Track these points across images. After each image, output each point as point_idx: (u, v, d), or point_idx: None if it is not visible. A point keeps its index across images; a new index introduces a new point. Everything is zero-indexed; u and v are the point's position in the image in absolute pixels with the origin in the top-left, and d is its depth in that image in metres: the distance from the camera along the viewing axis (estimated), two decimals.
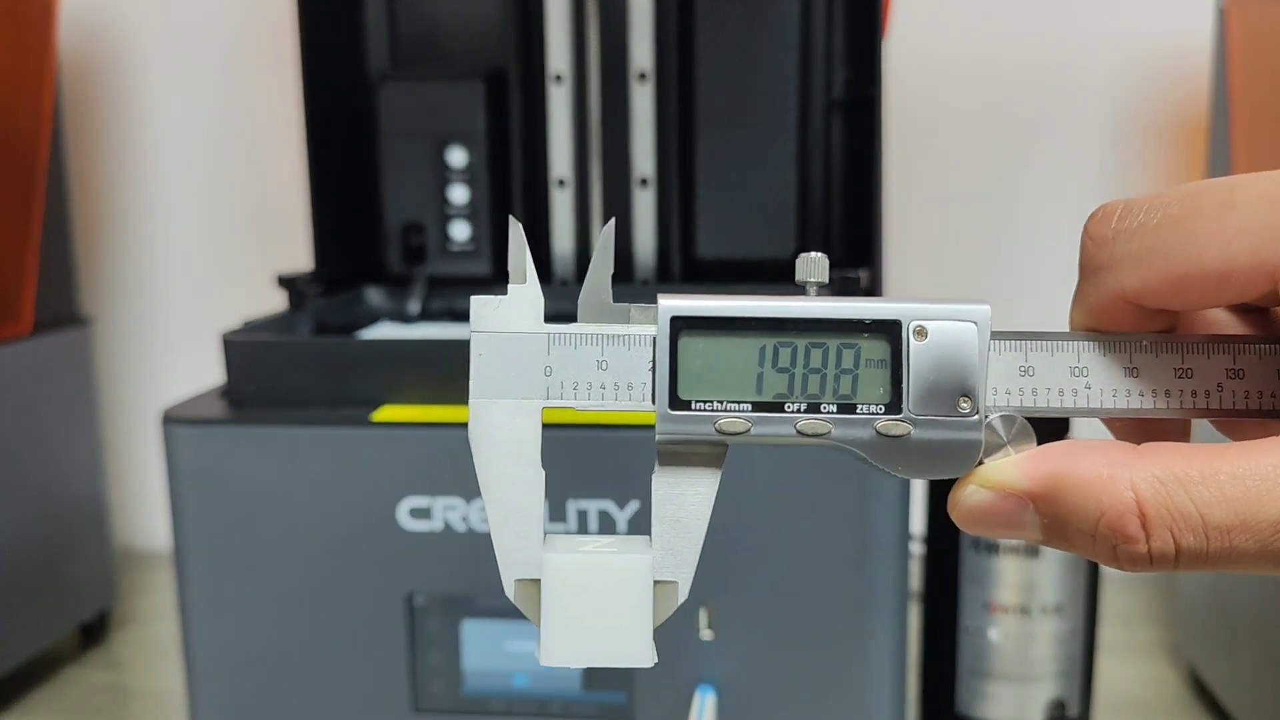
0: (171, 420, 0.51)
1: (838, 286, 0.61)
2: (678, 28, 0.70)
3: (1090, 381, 0.27)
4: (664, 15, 0.70)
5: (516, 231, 0.27)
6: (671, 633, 0.49)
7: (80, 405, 0.79)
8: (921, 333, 0.26)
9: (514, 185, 0.72)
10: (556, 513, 0.49)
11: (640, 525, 0.49)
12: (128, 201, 1.00)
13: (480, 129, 0.71)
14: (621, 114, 0.71)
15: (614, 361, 0.27)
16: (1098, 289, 0.27)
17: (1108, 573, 0.64)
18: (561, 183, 0.71)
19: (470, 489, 0.49)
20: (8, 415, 0.71)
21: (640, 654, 0.27)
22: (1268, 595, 0.61)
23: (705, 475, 0.27)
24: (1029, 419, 0.27)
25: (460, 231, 0.72)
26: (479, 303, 0.27)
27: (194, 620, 0.52)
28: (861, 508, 0.48)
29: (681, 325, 0.26)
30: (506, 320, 0.27)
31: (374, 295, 0.70)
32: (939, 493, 0.64)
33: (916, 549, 0.63)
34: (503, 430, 0.26)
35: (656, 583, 0.27)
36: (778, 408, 0.26)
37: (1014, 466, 0.25)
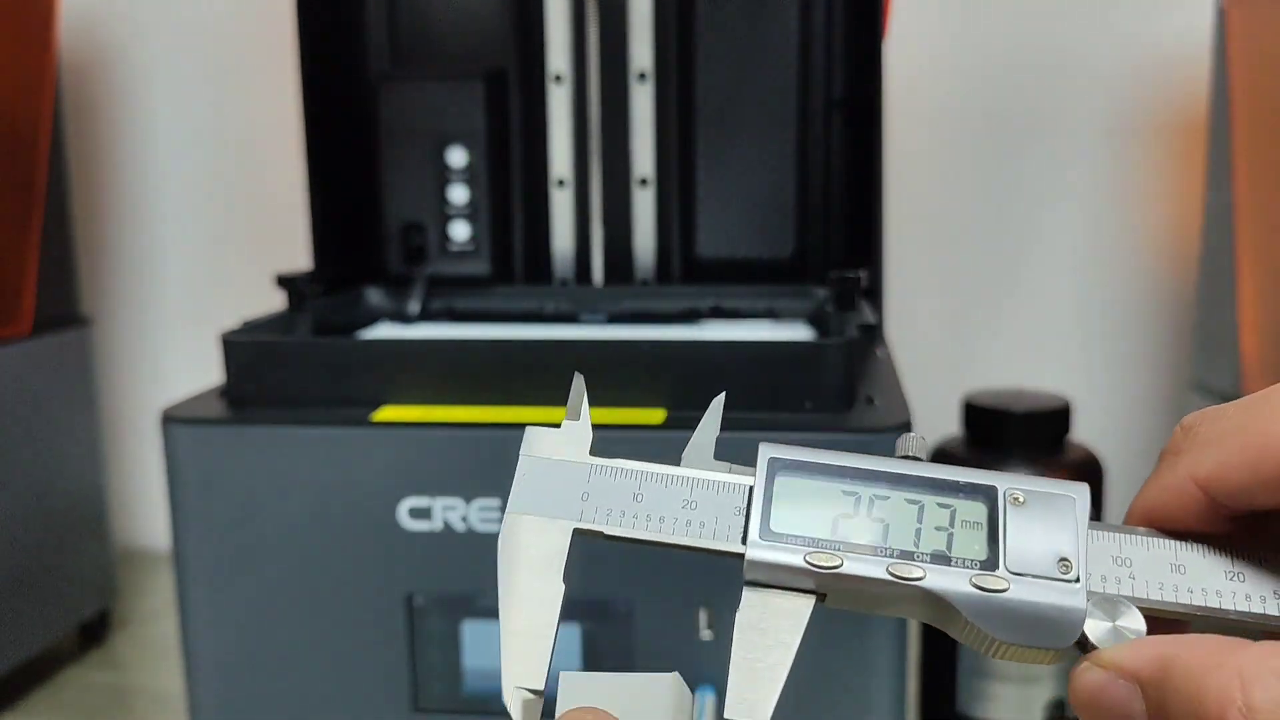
0: (171, 420, 0.51)
1: (839, 286, 0.61)
2: (678, 28, 0.70)
3: (1190, 583, 0.26)
4: (664, 15, 0.70)
5: (578, 384, 0.29)
6: (671, 633, 0.49)
7: (80, 405, 0.79)
8: (1018, 500, 0.26)
9: (514, 185, 0.73)
10: None
11: None
12: (128, 201, 1.00)
13: (480, 129, 0.71)
14: (621, 114, 0.71)
15: (648, 496, 0.27)
16: (1173, 470, 0.26)
17: None
18: (561, 183, 0.71)
19: (470, 489, 0.49)
20: (8, 415, 0.71)
21: None
22: None
23: (791, 612, 0.26)
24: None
25: (460, 231, 0.72)
26: (533, 432, 0.28)
27: (194, 620, 0.52)
28: None
29: (779, 466, 0.27)
30: (556, 449, 0.28)
31: (374, 295, 0.70)
32: None
33: None
34: (533, 545, 0.27)
35: None
36: (870, 551, 0.26)
37: (1127, 647, 0.24)
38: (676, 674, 0.27)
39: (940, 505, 0.26)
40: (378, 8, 0.73)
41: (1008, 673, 0.59)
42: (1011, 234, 0.92)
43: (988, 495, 0.26)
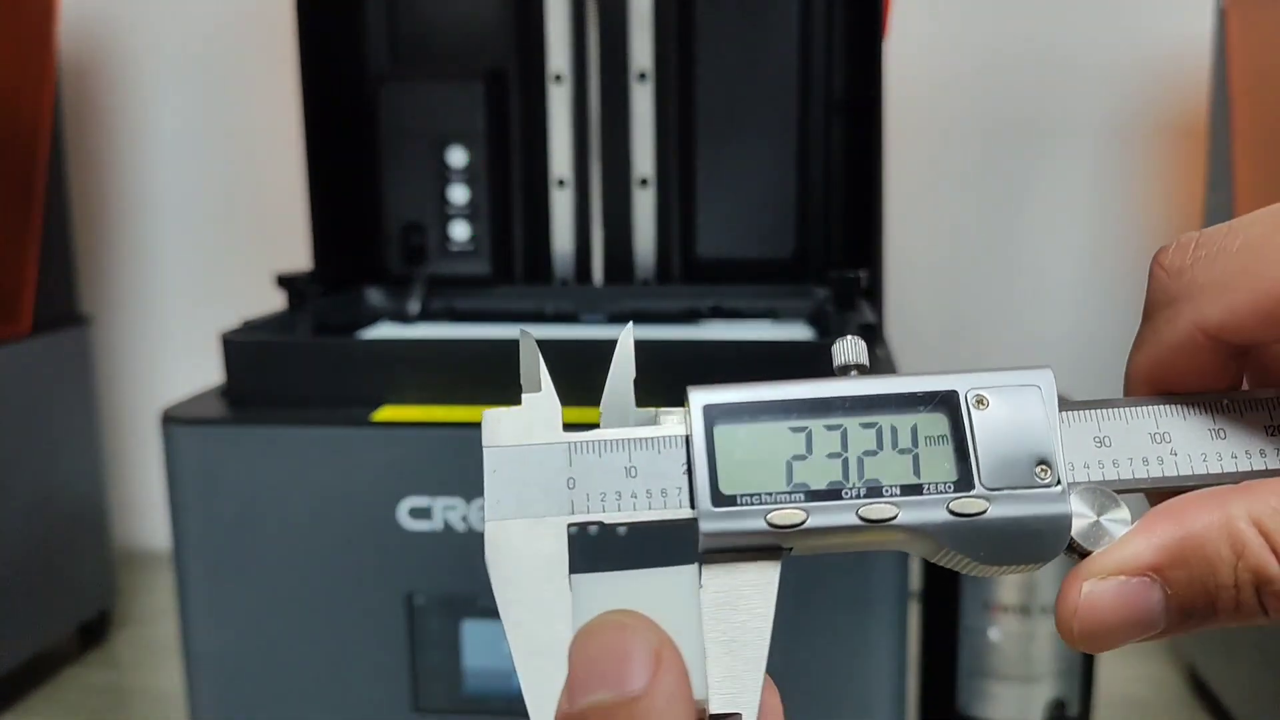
0: (171, 420, 0.51)
1: (839, 286, 0.61)
2: (678, 28, 0.70)
3: (1175, 448, 0.24)
4: (664, 15, 0.70)
5: (528, 342, 0.25)
6: None
7: (80, 405, 0.79)
8: (982, 402, 0.24)
9: (514, 185, 0.73)
10: None
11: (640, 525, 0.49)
12: (128, 201, 1.00)
13: (480, 129, 0.71)
14: (621, 114, 0.71)
15: (644, 467, 0.24)
16: (1172, 323, 0.24)
17: None
18: (561, 183, 0.71)
19: (470, 489, 0.49)
20: (8, 415, 0.71)
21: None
22: None
23: (759, 582, 0.23)
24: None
25: (460, 231, 0.72)
26: (490, 417, 0.25)
27: (194, 620, 0.52)
28: None
29: (717, 414, 0.24)
30: (521, 432, 0.25)
31: (374, 295, 0.70)
32: None
33: None
34: (524, 553, 0.24)
35: (714, 716, 0.23)
36: (834, 495, 0.23)
37: (1131, 541, 0.22)
38: (693, 565, 0.24)
39: (899, 424, 0.24)
40: (378, 8, 0.73)
41: (1008, 673, 0.59)
42: (1011, 234, 0.92)
43: (948, 403, 0.24)
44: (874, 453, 0.24)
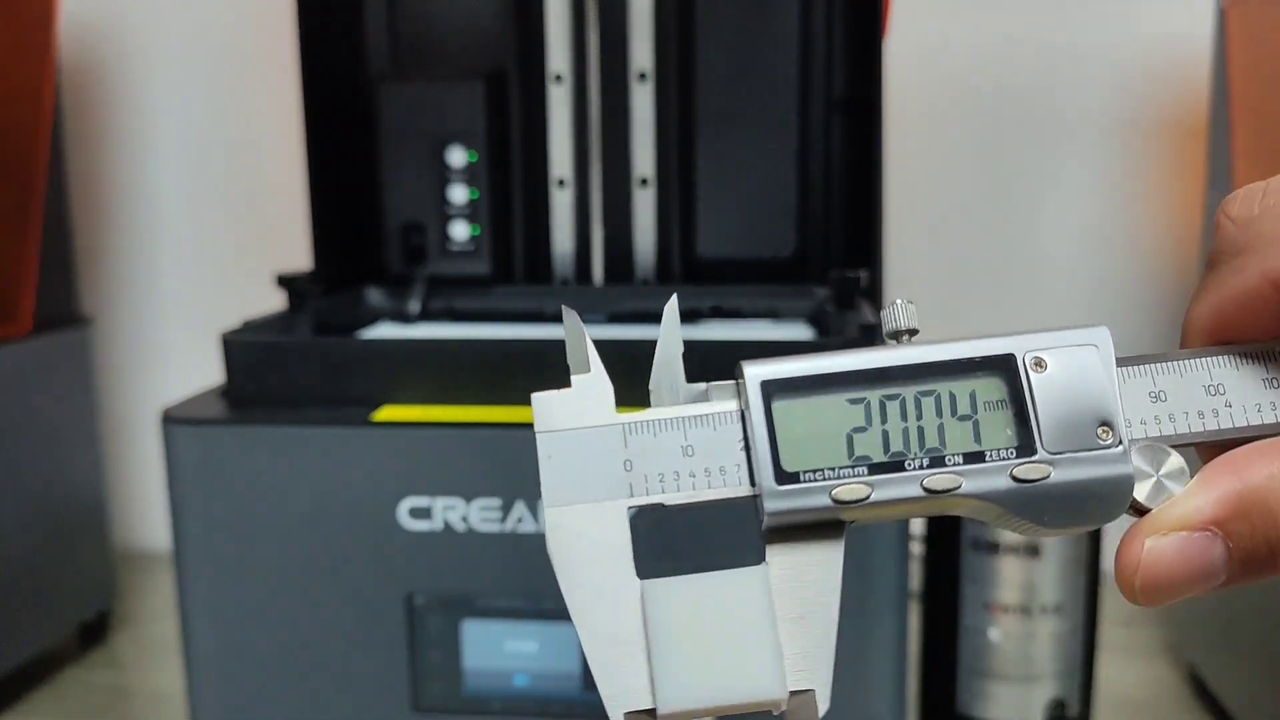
0: (171, 420, 0.51)
1: (839, 286, 0.61)
2: (678, 28, 0.70)
3: (1230, 399, 0.24)
4: (664, 15, 0.70)
5: (573, 321, 0.24)
6: None
7: (80, 405, 0.79)
8: (1040, 364, 0.24)
9: (514, 185, 0.73)
10: None
11: (640, 524, 0.49)
12: (128, 201, 1.00)
13: (480, 129, 0.71)
14: (621, 114, 0.71)
15: (701, 445, 0.24)
16: (1240, 273, 0.24)
17: (1107, 572, 0.64)
18: (561, 183, 0.71)
19: (470, 489, 0.49)
20: (8, 415, 0.71)
21: (770, 686, 0.23)
22: (1268, 595, 0.61)
23: (825, 557, 0.23)
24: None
25: (460, 231, 0.72)
26: (540, 400, 0.24)
27: (194, 620, 0.52)
28: None
29: (774, 389, 0.23)
30: (574, 415, 0.24)
31: (374, 295, 0.70)
32: None
33: (916, 549, 0.63)
34: (587, 539, 0.24)
35: (791, 693, 0.23)
36: (897, 467, 0.23)
37: (1191, 497, 0.22)
38: (758, 566, 0.23)
39: (957, 390, 0.24)
40: (378, 8, 0.73)
41: (1008, 673, 0.59)
42: (1011, 234, 0.92)
43: (1005, 366, 0.24)
44: (934, 421, 0.24)
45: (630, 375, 0.50)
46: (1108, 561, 0.64)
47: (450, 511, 0.49)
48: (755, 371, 0.24)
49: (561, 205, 0.72)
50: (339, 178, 0.71)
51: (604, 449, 0.24)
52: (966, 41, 0.90)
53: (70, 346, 0.78)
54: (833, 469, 0.23)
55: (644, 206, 0.71)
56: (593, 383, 0.24)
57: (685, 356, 0.50)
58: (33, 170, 0.74)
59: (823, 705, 0.23)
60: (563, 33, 0.70)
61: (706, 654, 0.23)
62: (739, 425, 0.24)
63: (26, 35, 0.73)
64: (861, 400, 0.24)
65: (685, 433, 0.24)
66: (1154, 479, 0.23)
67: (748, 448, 0.23)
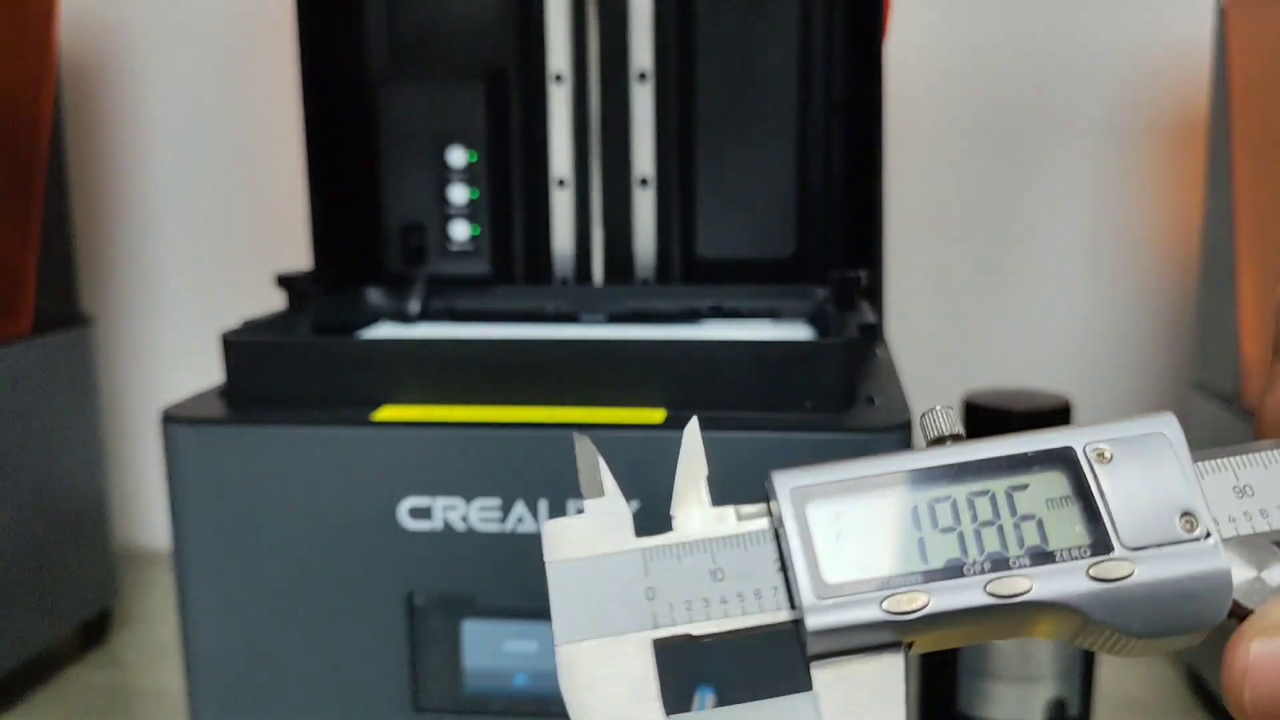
0: (171, 420, 0.51)
1: (839, 286, 0.61)
2: (678, 28, 0.70)
3: None
4: (664, 15, 0.70)
5: (584, 444, 0.23)
6: None
7: (80, 405, 0.79)
8: (1103, 456, 0.21)
9: (514, 185, 0.73)
10: (557, 513, 0.49)
11: (639, 524, 0.49)
12: (128, 201, 1.00)
13: (480, 129, 0.71)
14: (621, 114, 0.71)
15: (731, 568, 0.21)
16: None
17: None
18: (561, 183, 0.71)
19: (470, 489, 0.49)
20: (8, 415, 0.71)
21: None
22: None
23: (883, 681, 0.20)
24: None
25: (460, 231, 0.72)
26: (550, 528, 0.22)
27: (194, 620, 0.52)
28: None
29: (807, 496, 0.21)
30: (589, 543, 0.22)
31: (374, 295, 0.70)
32: None
33: None
34: (606, 678, 0.21)
35: None
36: (955, 573, 0.20)
37: None
38: (810, 693, 0.21)
39: (1014, 488, 0.21)
40: (378, 8, 0.73)
41: (1008, 673, 0.59)
42: (1012, 234, 0.92)
43: (1065, 459, 0.21)
44: (991, 522, 0.21)
45: (627, 375, 0.50)
46: None
47: (450, 511, 0.49)
48: (786, 479, 0.22)
49: (561, 205, 0.72)
50: (339, 178, 0.71)
51: (623, 577, 0.22)
52: (966, 41, 0.90)
53: (70, 346, 0.78)
54: (882, 577, 0.21)
55: (644, 206, 0.71)
56: (608, 507, 0.23)
57: (684, 355, 0.50)
58: (33, 170, 0.74)
59: None
60: (563, 33, 0.70)
61: None
62: (773, 544, 0.22)
63: (26, 34, 0.73)
64: (908, 504, 0.21)
65: (713, 555, 0.22)
66: (1254, 576, 0.21)
67: (784, 567, 0.21)
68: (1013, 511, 0.21)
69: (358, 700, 0.52)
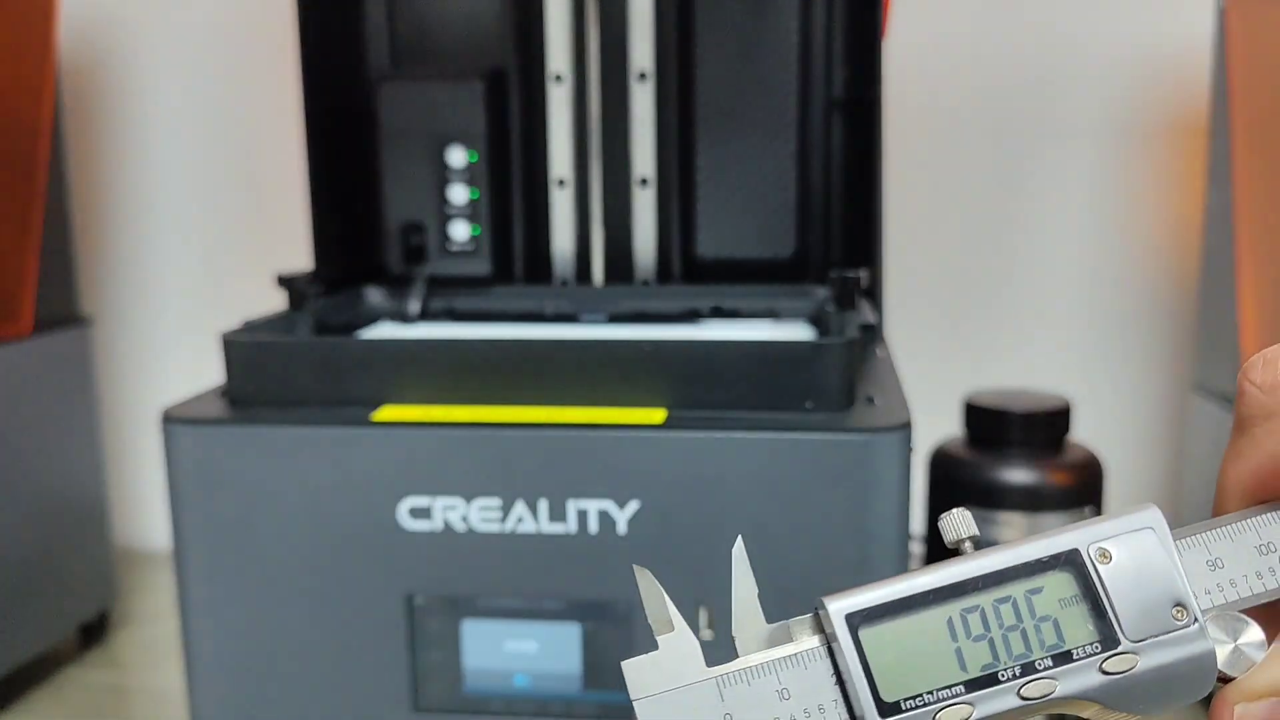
0: (171, 420, 0.51)
1: (839, 286, 0.61)
2: (678, 28, 0.70)
3: None
4: (664, 15, 0.70)
5: (647, 579, 0.25)
6: None
7: (80, 405, 0.79)
8: (1105, 555, 0.24)
9: (514, 185, 0.73)
10: (557, 513, 0.49)
11: (641, 524, 0.49)
12: (128, 201, 1.00)
13: (480, 129, 0.71)
14: (621, 114, 0.71)
15: (795, 686, 0.24)
16: (1272, 436, 0.25)
17: None
18: (561, 183, 0.71)
19: (470, 489, 0.49)
20: (8, 415, 0.71)
21: None
22: None
23: None
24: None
25: (460, 231, 0.72)
26: (632, 667, 0.24)
27: (194, 620, 0.52)
28: (862, 508, 0.48)
29: (859, 620, 0.24)
30: (667, 677, 0.24)
31: (374, 295, 0.70)
32: (940, 492, 0.64)
33: (916, 549, 0.63)
34: None
35: None
36: (991, 680, 0.24)
37: (1275, 663, 0.24)
38: None
39: (1031, 591, 0.24)
40: (378, 8, 0.73)
41: None
42: (1011, 234, 0.92)
43: (1073, 562, 0.24)
44: (1015, 627, 0.24)
45: (627, 376, 0.50)
46: None
47: (450, 511, 0.49)
48: (838, 606, 0.24)
49: (561, 205, 0.72)
50: (339, 178, 0.71)
51: (703, 706, 0.24)
52: (966, 41, 0.90)
53: (70, 346, 0.78)
54: (931, 692, 0.24)
55: (644, 206, 0.71)
56: (679, 641, 0.24)
57: (684, 355, 0.50)
58: (33, 170, 0.74)
59: None
60: (563, 33, 0.70)
61: None
62: (828, 660, 0.24)
63: (26, 35, 0.73)
64: (944, 617, 0.24)
65: (778, 676, 0.24)
66: (1231, 647, 0.24)
67: (840, 682, 0.24)
68: (1032, 614, 0.24)
69: (358, 700, 0.52)
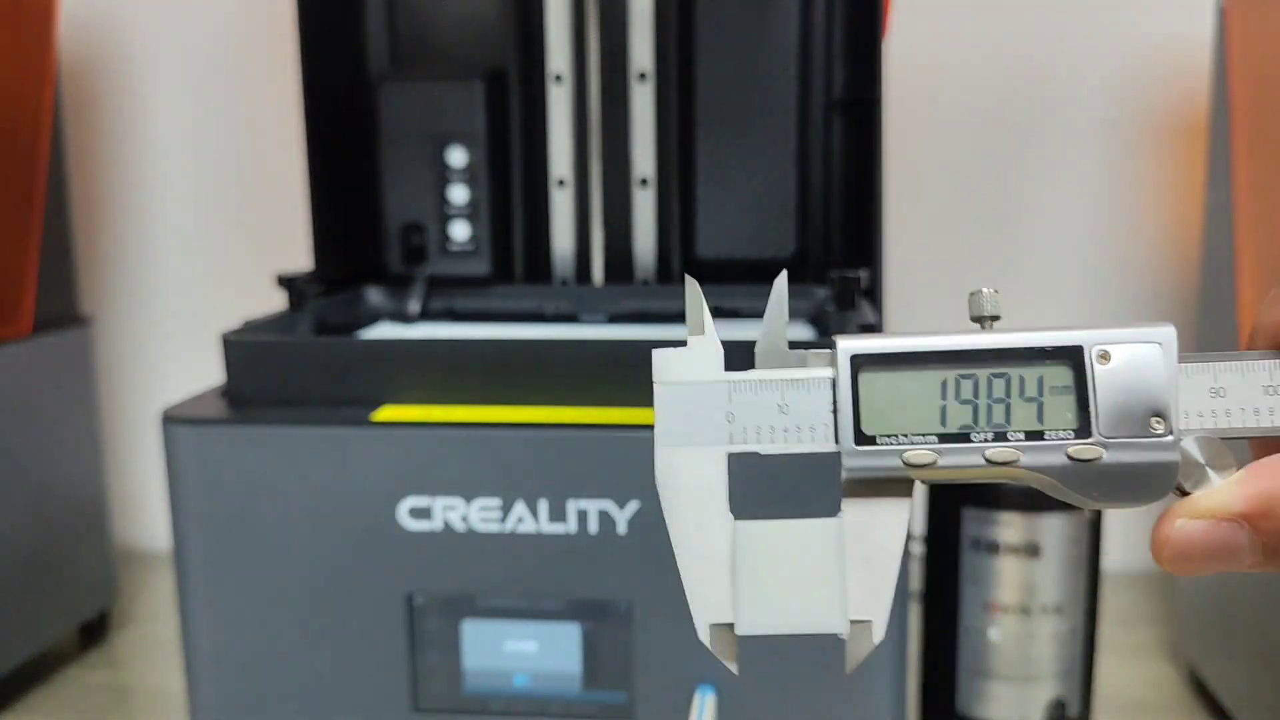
0: (171, 420, 0.51)
1: (839, 286, 0.61)
2: (678, 28, 0.70)
3: None
4: (664, 15, 0.70)
5: (693, 288, 0.27)
6: (671, 632, 0.49)
7: (80, 405, 0.79)
8: (1105, 357, 0.26)
9: (514, 185, 0.73)
10: (557, 513, 0.49)
11: (641, 525, 0.49)
12: (128, 201, 1.00)
13: (480, 129, 0.71)
14: (621, 114, 0.71)
15: (794, 405, 0.27)
16: None
17: (1108, 572, 0.64)
18: (561, 183, 0.71)
19: (470, 489, 0.49)
20: (8, 415, 0.71)
21: (832, 620, 0.27)
22: (1268, 595, 0.61)
23: (894, 511, 0.27)
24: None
25: (460, 231, 0.72)
26: (661, 355, 0.27)
27: (194, 620, 0.52)
28: None
29: (862, 363, 0.26)
30: (688, 370, 0.27)
31: (374, 295, 0.70)
32: (941, 493, 0.64)
33: (916, 549, 0.63)
34: (690, 476, 0.27)
35: (851, 622, 0.27)
36: (964, 438, 0.26)
37: (1226, 490, 0.25)
38: (840, 514, 0.27)
39: (1026, 374, 0.26)
40: (378, 8, 0.73)
41: (1008, 673, 0.59)
42: (1011, 234, 0.92)
43: (1073, 356, 0.26)
44: (1002, 400, 0.26)
45: (627, 376, 0.50)
46: (1108, 562, 0.64)
47: (450, 511, 0.49)
48: (847, 345, 0.26)
49: (561, 205, 0.72)
50: (339, 178, 0.71)
51: (711, 401, 0.27)
52: (966, 41, 0.90)
53: (70, 346, 0.78)
54: (905, 435, 0.26)
55: (644, 206, 0.71)
56: (706, 344, 0.27)
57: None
58: (33, 171, 0.74)
59: (878, 635, 0.27)
60: (563, 33, 0.70)
61: (783, 588, 0.27)
62: (829, 391, 0.27)
63: (26, 35, 0.73)
64: (939, 377, 0.26)
65: (783, 393, 0.27)
66: (1200, 465, 0.25)
67: (835, 411, 0.26)
68: (1021, 393, 0.26)
69: (358, 700, 0.52)
